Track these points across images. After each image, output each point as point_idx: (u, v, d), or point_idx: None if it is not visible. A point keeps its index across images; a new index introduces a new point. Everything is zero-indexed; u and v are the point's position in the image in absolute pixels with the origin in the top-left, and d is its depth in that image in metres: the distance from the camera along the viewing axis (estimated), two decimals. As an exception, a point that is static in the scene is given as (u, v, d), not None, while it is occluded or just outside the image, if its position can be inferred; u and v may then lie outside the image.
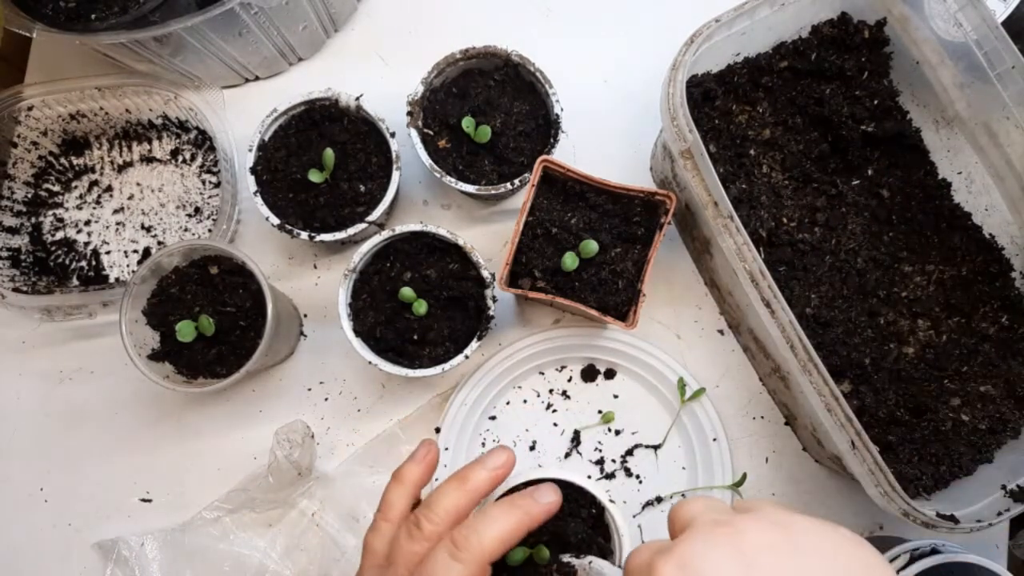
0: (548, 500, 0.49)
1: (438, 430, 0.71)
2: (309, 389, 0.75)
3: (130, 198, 0.79)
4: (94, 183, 0.79)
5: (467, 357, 0.64)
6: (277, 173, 0.71)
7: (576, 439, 0.73)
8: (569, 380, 0.74)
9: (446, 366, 0.64)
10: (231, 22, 0.68)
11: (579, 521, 0.59)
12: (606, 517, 0.59)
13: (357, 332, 0.66)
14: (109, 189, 0.79)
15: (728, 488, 0.70)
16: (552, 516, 0.56)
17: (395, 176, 0.69)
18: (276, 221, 0.68)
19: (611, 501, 0.58)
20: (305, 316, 0.76)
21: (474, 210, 0.78)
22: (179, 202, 0.79)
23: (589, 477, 0.72)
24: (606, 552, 0.59)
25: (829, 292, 0.67)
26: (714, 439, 0.70)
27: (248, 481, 0.71)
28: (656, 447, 0.72)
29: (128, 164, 0.80)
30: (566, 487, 0.60)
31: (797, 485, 0.72)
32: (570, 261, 0.63)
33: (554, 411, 0.73)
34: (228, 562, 0.70)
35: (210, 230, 0.76)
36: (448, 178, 0.68)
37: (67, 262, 0.78)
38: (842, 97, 0.69)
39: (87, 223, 0.79)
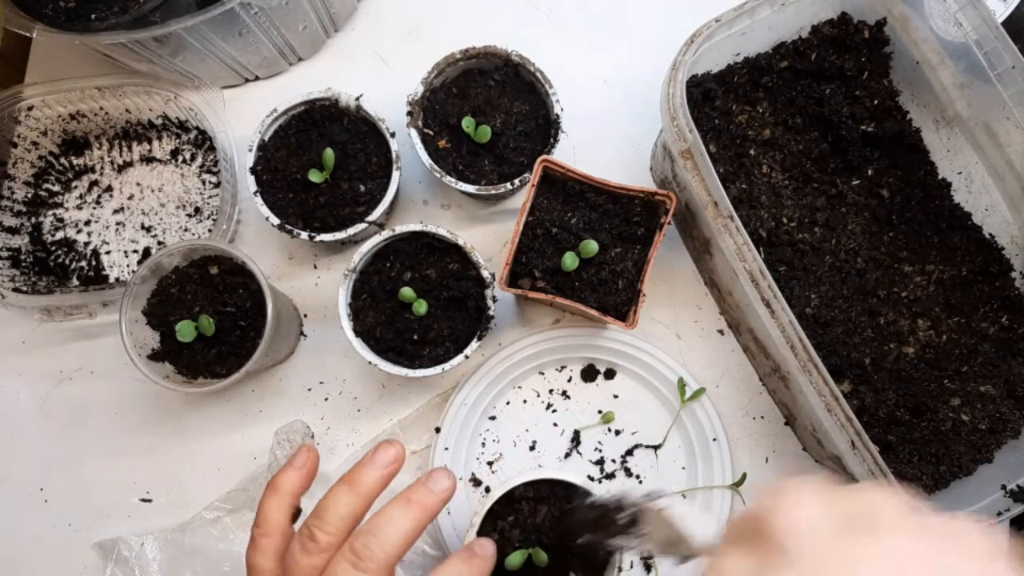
0: (442, 487, 0.47)
1: (438, 430, 0.71)
2: (309, 389, 0.75)
3: (130, 198, 0.79)
4: (94, 183, 0.79)
5: (467, 357, 0.64)
6: (277, 173, 0.71)
7: (576, 439, 0.73)
8: (569, 380, 0.74)
9: (446, 366, 0.64)
10: (231, 22, 0.68)
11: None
12: None
13: (357, 332, 0.66)
14: (109, 189, 0.79)
15: (728, 488, 0.70)
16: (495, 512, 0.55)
17: (395, 176, 0.69)
18: (276, 221, 0.68)
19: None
20: (305, 316, 0.76)
21: (474, 210, 0.78)
22: (179, 202, 0.79)
23: (590, 478, 0.72)
24: (611, 553, 0.59)
25: (829, 292, 0.67)
26: (714, 439, 0.70)
27: (248, 481, 0.71)
28: (656, 447, 0.72)
29: (128, 164, 0.80)
30: (569, 488, 0.60)
31: (797, 485, 0.72)
32: (570, 261, 0.63)
33: (554, 411, 0.73)
34: (228, 562, 0.70)
35: (210, 230, 0.76)
36: (448, 178, 0.68)
37: (67, 262, 0.78)
38: (842, 97, 0.69)
39: (87, 223, 0.79)
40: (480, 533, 0.56)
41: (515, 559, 0.56)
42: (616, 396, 0.73)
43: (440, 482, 0.47)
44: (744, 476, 0.70)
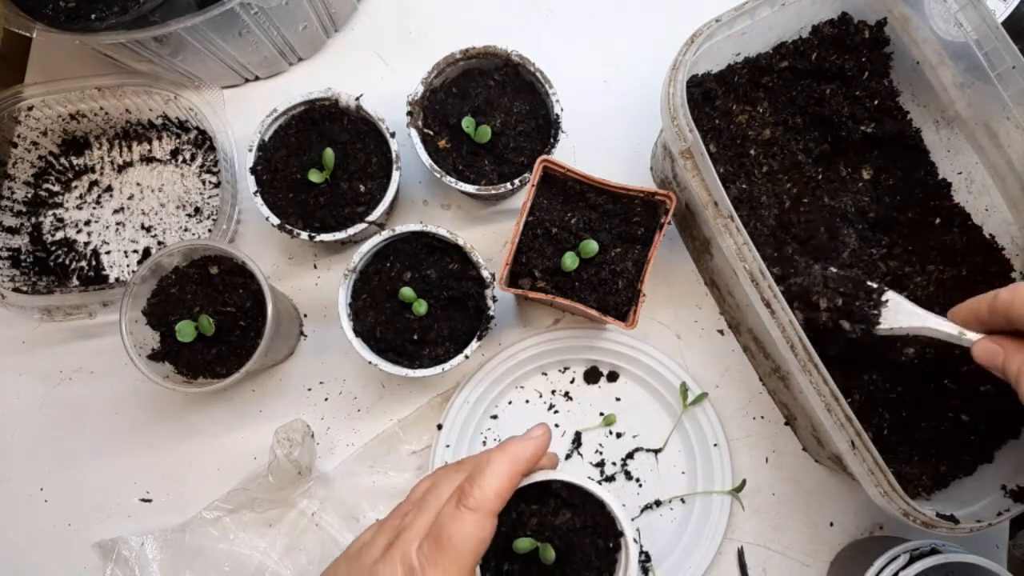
0: (535, 435, 0.52)
1: (440, 427, 0.71)
2: (309, 389, 0.75)
3: (130, 198, 0.79)
4: (94, 183, 0.79)
5: (467, 357, 0.64)
6: (277, 173, 0.71)
7: (577, 440, 0.73)
8: (572, 381, 0.74)
9: (446, 366, 0.64)
10: (231, 22, 0.68)
11: (590, 542, 0.58)
12: (617, 531, 0.58)
13: (357, 332, 0.66)
14: (109, 189, 0.79)
15: (728, 493, 0.70)
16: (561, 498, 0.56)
17: (395, 176, 0.69)
18: (276, 221, 0.68)
19: (631, 520, 0.57)
20: (305, 316, 0.76)
21: (474, 210, 0.78)
22: (179, 202, 0.79)
23: (590, 480, 0.71)
24: (614, 571, 0.58)
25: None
26: (715, 444, 0.70)
27: (248, 481, 0.71)
28: (657, 451, 0.72)
29: (128, 164, 0.80)
30: (574, 491, 0.59)
31: (797, 485, 0.72)
32: (570, 261, 0.63)
33: (556, 412, 0.73)
34: (228, 562, 0.70)
35: (210, 230, 0.76)
36: (448, 178, 0.68)
37: (67, 262, 0.78)
38: (842, 97, 0.69)
39: (87, 223, 0.79)
40: (502, 511, 0.55)
41: (523, 544, 0.55)
42: (618, 399, 0.73)
43: (533, 431, 0.52)
44: (744, 482, 0.70)
